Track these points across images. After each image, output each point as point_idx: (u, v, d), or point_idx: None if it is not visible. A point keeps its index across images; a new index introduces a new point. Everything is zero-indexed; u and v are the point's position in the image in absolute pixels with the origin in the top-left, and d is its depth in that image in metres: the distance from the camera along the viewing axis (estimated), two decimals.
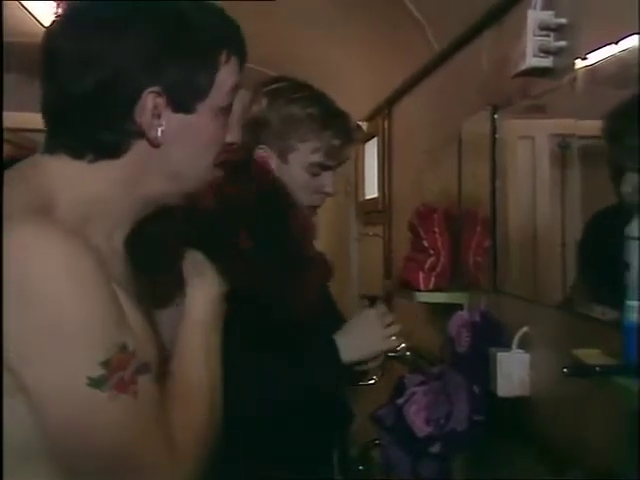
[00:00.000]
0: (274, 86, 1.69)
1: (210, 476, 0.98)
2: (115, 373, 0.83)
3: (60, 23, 0.95)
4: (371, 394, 2.39)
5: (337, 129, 1.65)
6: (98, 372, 0.82)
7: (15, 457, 0.85)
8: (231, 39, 0.98)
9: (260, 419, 1.46)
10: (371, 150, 3.69)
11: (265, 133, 1.65)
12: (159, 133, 0.93)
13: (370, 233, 3.76)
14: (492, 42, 2.03)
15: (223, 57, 0.96)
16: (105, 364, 0.83)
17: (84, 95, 0.91)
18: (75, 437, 0.84)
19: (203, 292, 1.09)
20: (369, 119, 3.63)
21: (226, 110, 0.99)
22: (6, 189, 0.88)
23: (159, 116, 0.93)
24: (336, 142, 1.64)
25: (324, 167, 1.66)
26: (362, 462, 2.36)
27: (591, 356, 1.22)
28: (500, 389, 1.77)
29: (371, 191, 3.69)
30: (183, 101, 0.94)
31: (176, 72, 0.93)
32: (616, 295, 1.14)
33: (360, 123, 3.66)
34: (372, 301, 1.78)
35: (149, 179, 0.96)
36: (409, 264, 2.40)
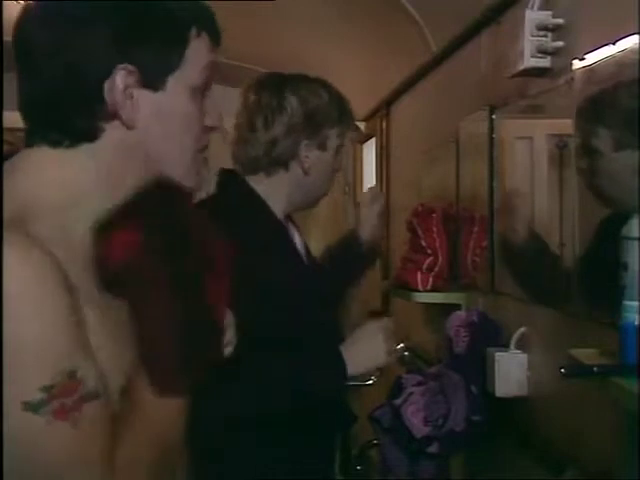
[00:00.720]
0: (266, 74, 1.72)
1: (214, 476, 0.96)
2: (56, 399, 0.80)
3: (26, 12, 0.93)
4: (369, 394, 2.39)
5: (347, 111, 1.73)
6: (37, 396, 0.79)
7: None
8: (200, 16, 0.95)
9: (262, 424, 1.47)
10: (369, 150, 3.69)
11: (306, 126, 1.66)
12: (132, 113, 0.90)
13: None
14: (490, 42, 2.03)
15: (193, 32, 0.93)
16: (46, 389, 0.79)
17: (55, 79, 0.89)
18: (19, 454, 0.81)
19: None
20: (367, 119, 3.63)
21: (201, 90, 0.95)
22: None
23: (131, 96, 0.89)
24: (350, 120, 1.75)
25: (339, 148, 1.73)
26: (360, 462, 2.36)
27: (588, 356, 1.22)
28: (498, 389, 1.77)
29: None
30: (153, 77, 0.91)
31: (144, 48, 0.90)
32: (613, 295, 1.14)
33: (358, 123, 3.67)
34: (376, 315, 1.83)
35: (129, 164, 0.93)
36: (407, 264, 2.40)
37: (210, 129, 0.99)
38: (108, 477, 0.85)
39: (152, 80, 0.91)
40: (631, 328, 1.10)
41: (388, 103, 3.28)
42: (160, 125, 0.93)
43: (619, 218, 1.25)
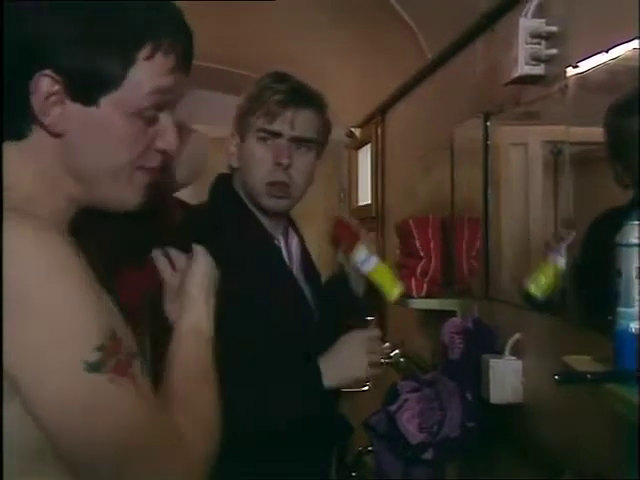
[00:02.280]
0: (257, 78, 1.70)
1: None
2: (111, 357, 0.83)
3: None
4: (364, 401, 2.38)
5: (278, 90, 1.59)
6: (95, 356, 0.81)
7: (21, 460, 0.84)
8: (164, 36, 0.90)
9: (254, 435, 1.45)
10: (364, 157, 3.69)
11: (236, 121, 1.65)
12: (56, 121, 0.88)
13: None
14: (484, 49, 2.04)
15: (144, 52, 0.88)
16: (101, 348, 0.82)
17: None
18: (79, 425, 0.83)
19: (209, 306, 1.11)
20: (362, 125, 3.64)
21: (148, 113, 0.92)
22: None
23: (58, 103, 0.87)
24: (273, 99, 1.58)
25: (270, 132, 1.59)
26: (355, 468, 2.36)
27: (582, 362, 1.22)
28: (493, 396, 1.77)
29: (364, 197, 3.70)
30: (83, 91, 0.88)
31: (78, 58, 0.86)
32: (607, 302, 1.14)
33: (353, 129, 3.68)
34: (361, 323, 1.70)
35: (57, 173, 0.92)
36: (401, 271, 2.40)
37: (163, 152, 0.97)
38: (176, 433, 0.89)
39: (82, 94, 0.88)
40: (625, 334, 1.10)
41: (383, 110, 3.28)
42: (87, 139, 0.90)
43: (607, 224, 1.26)
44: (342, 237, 1.74)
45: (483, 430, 1.88)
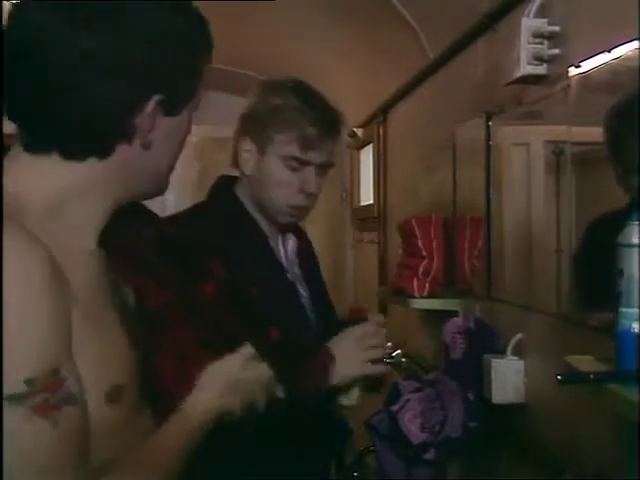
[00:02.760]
0: (267, 79, 1.68)
1: None
2: (38, 394, 0.80)
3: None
4: (365, 400, 2.38)
5: (314, 118, 1.57)
6: (20, 389, 0.79)
7: None
8: (208, 49, 1.03)
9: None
10: (366, 157, 3.69)
11: (250, 125, 1.62)
12: (150, 136, 0.97)
13: (365, 239, 3.77)
14: (486, 49, 2.04)
15: (204, 64, 1.02)
16: (29, 382, 0.80)
17: (92, 104, 0.92)
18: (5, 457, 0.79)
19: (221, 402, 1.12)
20: (364, 126, 3.64)
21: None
22: None
23: (154, 120, 0.96)
24: (311, 131, 1.56)
25: (301, 162, 1.58)
26: (357, 469, 2.35)
27: (584, 362, 1.22)
28: (495, 396, 1.77)
29: (366, 197, 3.70)
30: (176, 107, 0.99)
31: (179, 83, 0.98)
32: (610, 302, 1.14)
33: (355, 129, 3.68)
34: (357, 318, 1.60)
35: (131, 179, 0.99)
36: (403, 271, 2.41)
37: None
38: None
39: (175, 109, 0.99)
40: (627, 334, 1.10)
41: (385, 109, 3.28)
42: (170, 144, 1.02)
43: (606, 224, 1.26)
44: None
45: (485, 430, 1.88)
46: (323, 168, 1.63)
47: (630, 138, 1.31)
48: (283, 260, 1.66)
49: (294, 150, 1.57)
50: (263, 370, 1.18)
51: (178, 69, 0.98)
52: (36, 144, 0.94)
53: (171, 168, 1.05)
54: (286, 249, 1.69)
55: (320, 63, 3.33)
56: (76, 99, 0.91)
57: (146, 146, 0.97)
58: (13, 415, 0.79)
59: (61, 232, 0.90)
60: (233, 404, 1.12)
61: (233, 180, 1.68)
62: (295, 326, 1.59)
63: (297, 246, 1.71)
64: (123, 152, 0.96)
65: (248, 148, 1.62)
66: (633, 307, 1.09)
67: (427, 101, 2.72)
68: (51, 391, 0.81)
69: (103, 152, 0.95)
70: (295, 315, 1.62)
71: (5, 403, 0.78)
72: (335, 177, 3.88)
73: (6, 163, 0.94)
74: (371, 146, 3.53)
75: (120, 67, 0.92)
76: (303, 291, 1.67)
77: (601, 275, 1.37)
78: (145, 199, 1.08)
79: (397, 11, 2.53)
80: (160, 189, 1.06)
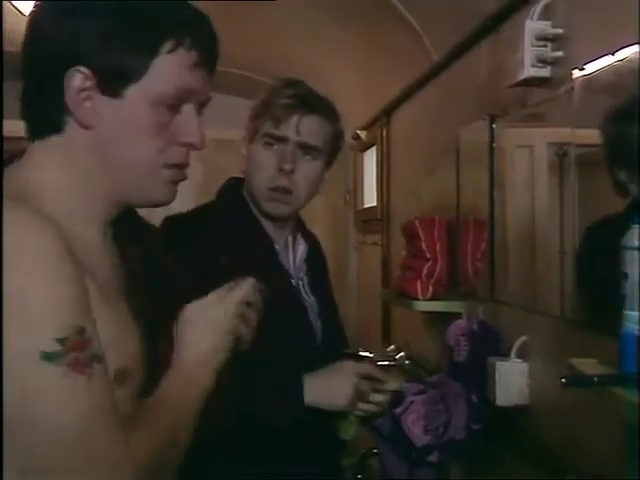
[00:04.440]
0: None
1: None
2: (71, 352, 0.83)
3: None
4: None
5: (287, 94, 1.58)
6: (53, 347, 0.82)
7: None
8: (185, 30, 0.96)
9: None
10: (370, 159, 3.70)
11: (246, 125, 1.65)
12: (88, 114, 0.93)
13: (368, 241, 3.77)
14: (489, 51, 2.04)
15: (167, 45, 0.94)
16: (61, 341, 0.82)
17: (25, 76, 0.96)
18: (27, 412, 0.82)
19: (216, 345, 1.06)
20: (368, 128, 3.64)
21: (170, 105, 0.97)
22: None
23: (89, 98, 0.93)
24: (282, 103, 1.56)
25: (276, 137, 1.58)
26: (360, 471, 2.35)
27: (588, 365, 1.22)
28: (499, 398, 1.77)
29: (370, 199, 3.70)
30: (110, 84, 0.93)
31: (105, 54, 0.92)
32: (614, 305, 1.14)
33: (359, 132, 3.68)
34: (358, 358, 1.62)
35: (93, 163, 0.96)
36: (406, 273, 2.41)
37: (187, 146, 1.00)
38: (122, 438, 0.87)
39: (109, 87, 0.93)
40: (631, 337, 1.10)
41: (388, 112, 3.28)
42: (117, 131, 0.95)
43: (607, 227, 1.26)
44: None
45: (488, 432, 1.87)
46: (305, 149, 1.60)
47: (631, 142, 1.31)
48: (290, 265, 1.66)
49: (268, 127, 1.58)
50: (258, 304, 1.12)
51: (107, 42, 0.92)
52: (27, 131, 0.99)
53: (154, 169, 0.98)
54: (295, 254, 1.68)
55: (322, 65, 3.34)
56: (23, 70, 0.95)
57: (85, 125, 0.94)
58: (49, 372, 0.81)
59: (72, 224, 0.93)
60: (226, 343, 1.06)
61: (241, 182, 1.68)
62: (296, 330, 1.59)
63: (307, 252, 1.70)
64: (74, 133, 0.95)
65: (244, 147, 1.66)
66: (637, 310, 1.09)
67: (430, 103, 2.72)
68: (80, 349, 0.84)
69: (51, 125, 0.95)
70: (296, 320, 1.61)
71: (36, 361, 0.81)
72: (338, 179, 3.88)
73: (25, 155, 0.99)
74: (374, 148, 3.53)
75: (47, 30, 0.93)
76: (308, 297, 1.67)
77: (600, 278, 1.38)
78: (143, 204, 1.03)
79: (400, 13, 2.53)
80: (153, 192, 1.00)
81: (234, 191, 1.67)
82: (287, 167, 1.57)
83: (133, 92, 0.94)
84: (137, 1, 0.95)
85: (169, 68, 0.95)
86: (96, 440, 0.85)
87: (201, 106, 1.01)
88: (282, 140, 1.58)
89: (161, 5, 0.96)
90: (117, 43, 0.92)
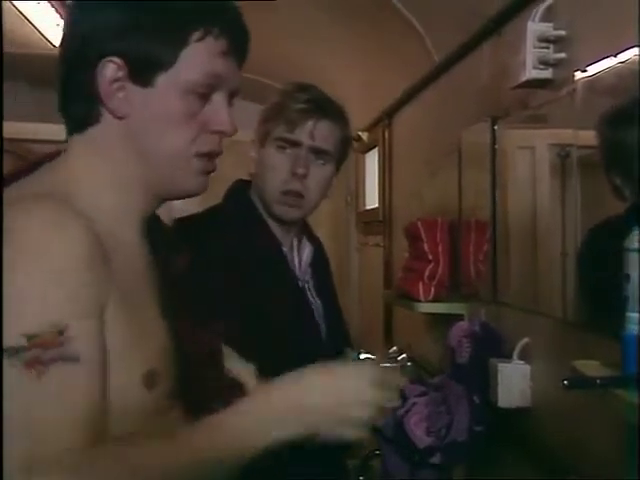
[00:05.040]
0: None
1: None
2: (33, 349, 0.81)
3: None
4: None
5: (302, 99, 1.58)
6: (19, 342, 0.81)
7: None
8: (214, 19, 0.96)
9: None
10: (372, 160, 3.70)
11: (256, 128, 1.66)
12: (120, 104, 0.94)
13: (370, 243, 3.77)
14: (491, 53, 2.04)
15: (196, 35, 0.95)
16: (29, 337, 0.81)
17: (60, 68, 0.96)
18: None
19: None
20: (369, 129, 3.64)
21: (200, 94, 0.97)
22: (32, 177, 0.96)
23: (121, 88, 0.94)
24: (297, 108, 1.57)
25: (290, 141, 1.59)
26: (362, 473, 2.35)
27: (591, 367, 1.22)
28: (501, 400, 1.77)
29: (372, 201, 3.70)
30: (141, 73, 0.94)
31: (135, 43, 0.93)
32: (616, 306, 1.14)
33: (360, 133, 3.68)
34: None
35: (125, 157, 0.97)
36: (408, 274, 2.41)
37: (219, 134, 1.00)
38: (80, 437, 0.83)
39: (140, 76, 0.94)
40: (633, 339, 1.10)
41: (390, 113, 3.28)
42: (148, 121, 0.96)
43: (610, 227, 1.26)
44: None
45: (490, 434, 1.87)
46: (317, 154, 1.60)
47: (631, 147, 1.31)
48: (296, 268, 1.67)
49: (281, 130, 1.59)
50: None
51: (139, 32, 0.93)
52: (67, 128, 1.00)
53: (186, 158, 0.98)
54: (301, 257, 1.69)
55: (324, 66, 3.34)
56: (60, 66, 0.96)
57: (118, 115, 0.95)
58: (7, 368, 0.80)
59: (109, 222, 0.93)
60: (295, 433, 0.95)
61: (248, 184, 1.69)
62: (303, 332, 1.59)
63: (312, 255, 1.71)
64: (109, 124, 0.96)
65: (254, 149, 1.65)
66: (638, 311, 1.09)
67: (432, 105, 2.72)
68: (45, 348, 0.82)
69: (87, 117, 0.96)
70: (304, 322, 1.62)
71: (5, 356, 0.80)
72: (340, 181, 3.87)
73: (62, 153, 1.00)
74: (376, 150, 3.53)
75: (78, 24, 0.95)
76: (313, 299, 1.68)
77: (602, 280, 1.38)
78: (177, 196, 1.03)
79: (402, 14, 2.53)
80: (187, 182, 1.00)
81: (242, 193, 1.67)
82: (300, 171, 1.58)
83: (163, 81, 0.95)
84: None
85: (198, 56, 0.95)
86: (45, 442, 0.81)
87: (231, 96, 1.02)
88: (296, 144, 1.59)
89: None
90: (147, 33, 0.94)
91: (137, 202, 1.00)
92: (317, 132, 1.59)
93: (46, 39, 3.24)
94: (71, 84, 0.96)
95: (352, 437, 0.97)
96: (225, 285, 1.45)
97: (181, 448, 0.88)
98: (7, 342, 0.80)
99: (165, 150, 0.97)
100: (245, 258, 1.52)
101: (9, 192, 0.91)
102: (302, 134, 1.58)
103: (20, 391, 0.81)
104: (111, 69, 0.93)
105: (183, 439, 0.89)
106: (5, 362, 0.80)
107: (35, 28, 3.11)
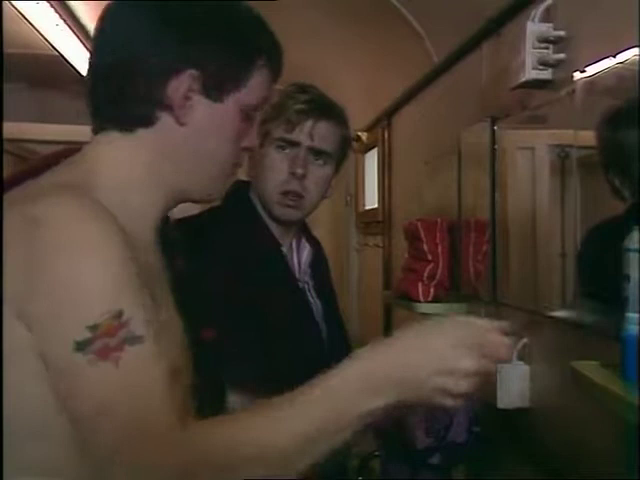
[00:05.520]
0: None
1: None
2: (99, 339, 0.83)
3: (114, 3, 1.04)
4: None
5: (302, 100, 1.58)
6: (84, 335, 0.83)
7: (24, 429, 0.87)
8: (270, 53, 1.06)
9: None
10: (371, 161, 3.70)
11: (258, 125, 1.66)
12: (186, 112, 1.01)
13: (370, 243, 3.77)
14: (491, 54, 2.04)
15: (259, 62, 1.04)
16: (92, 328, 0.84)
17: (126, 68, 0.99)
18: (66, 402, 0.85)
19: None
20: (369, 129, 3.64)
21: (251, 115, 1.06)
22: (50, 172, 0.98)
23: (190, 97, 1.00)
24: (296, 108, 1.57)
25: (289, 141, 1.58)
26: (361, 473, 2.35)
27: (590, 368, 1.22)
28: (500, 401, 1.77)
29: (371, 201, 3.70)
30: (216, 90, 1.02)
31: (217, 60, 1.01)
32: (616, 307, 1.14)
33: (360, 133, 3.68)
34: None
35: (175, 159, 1.03)
36: (408, 274, 2.40)
37: (247, 150, 1.10)
38: (171, 416, 0.85)
39: (214, 91, 1.02)
40: (633, 339, 1.10)
41: (390, 113, 3.28)
42: (208, 131, 1.03)
43: (611, 227, 1.25)
44: None
45: (490, 435, 1.87)
46: (316, 154, 1.60)
47: (630, 148, 1.31)
48: (296, 268, 1.67)
49: (281, 131, 1.59)
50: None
51: (219, 51, 1.01)
52: (96, 121, 1.03)
53: (225, 169, 1.07)
54: (300, 258, 1.68)
55: (323, 66, 3.34)
56: (120, 67, 1.00)
57: (181, 122, 1.00)
58: (78, 362, 0.83)
59: (125, 219, 0.95)
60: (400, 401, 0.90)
61: (247, 184, 1.68)
62: (303, 332, 1.59)
63: (312, 257, 1.70)
64: (165, 128, 1.01)
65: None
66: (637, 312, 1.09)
67: (432, 105, 2.72)
68: (112, 334, 0.84)
69: (144, 119, 1.01)
70: (304, 322, 1.62)
71: (69, 351, 0.83)
72: (339, 181, 3.88)
73: (86, 147, 1.03)
74: (376, 150, 3.53)
75: (158, 34, 0.99)
76: (313, 300, 1.67)
77: (603, 280, 1.38)
78: (199, 199, 1.11)
79: (402, 15, 2.53)
80: (214, 188, 1.09)
81: (241, 194, 1.67)
82: (299, 171, 1.58)
83: (231, 100, 1.03)
84: (244, 20, 1.05)
85: (259, 82, 1.05)
86: (138, 422, 0.83)
87: None
88: (295, 144, 1.59)
89: (258, 25, 1.07)
90: (228, 53, 1.02)
91: (159, 204, 1.05)
92: (316, 132, 1.58)
93: (46, 39, 3.23)
94: (131, 86, 1.00)
95: (450, 405, 0.92)
96: (225, 285, 1.45)
97: (277, 424, 0.86)
98: (69, 337, 0.83)
99: (215, 160, 1.06)
100: (245, 258, 1.52)
101: (27, 186, 0.95)
102: (301, 134, 1.58)
103: (101, 382, 0.84)
104: (189, 80, 0.99)
105: (278, 415, 0.87)
106: (73, 357, 0.83)
107: (35, 28, 3.11)
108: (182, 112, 1.00)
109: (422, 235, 2.31)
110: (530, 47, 1.63)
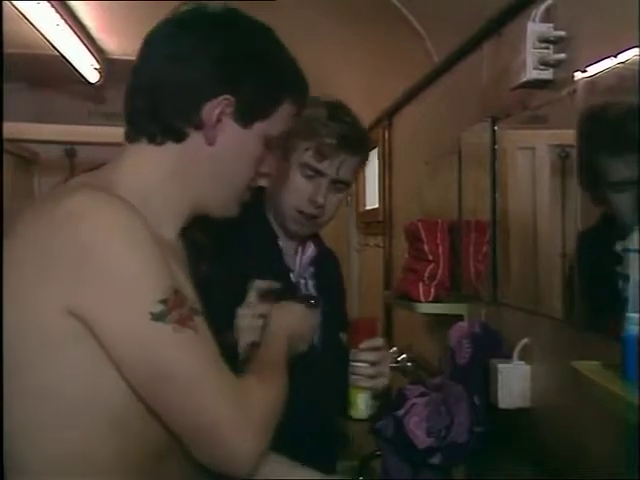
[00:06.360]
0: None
1: None
2: (173, 310, 0.94)
3: (164, 24, 1.12)
4: None
5: (335, 131, 1.60)
6: (158, 308, 0.93)
7: (70, 411, 0.96)
8: (298, 91, 1.18)
9: None
10: (372, 161, 3.69)
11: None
12: (215, 133, 1.09)
13: (370, 243, 3.77)
14: (491, 54, 2.04)
15: (287, 98, 1.15)
16: (163, 302, 0.93)
17: (171, 88, 1.08)
18: (147, 373, 0.94)
19: None
20: (369, 130, 3.64)
21: (273, 143, 1.16)
22: (80, 176, 1.09)
23: (221, 120, 1.09)
24: (328, 141, 1.59)
25: (315, 170, 1.60)
26: (362, 473, 2.35)
27: (590, 368, 1.22)
28: (501, 401, 1.77)
29: (372, 201, 3.70)
30: (247, 116, 1.11)
31: (251, 91, 1.10)
32: (616, 307, 1.14)
33: None
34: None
35: (198, 175, 1.11)
36: (409, 275, 2.41)
37: (263, 175, 1.21)
38: (239, 392, 1.01)
39: (244, 118, 1.11)
40: (633, 339, 1.10)
41: (390, 113, 3.29)
42: (233, 154, 1.12)
43: (608, 227, 1.26)
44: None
45: (491, 435, 1.87)
46: (337, 184, 1.63)
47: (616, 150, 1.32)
48: (297, 265, 1.67)
49: (310, 158, 1.60)
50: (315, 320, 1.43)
51: (255, 82, 1.10)
52: (130, 131, 1.11)
53: (241, 190, 1.16)
54: (302, 256, 1.70)
55: (324, 67, 3.34)
56: (162, 86, 1.08)
57: (210, 141, 1.08)
58: (161, 330, 0.93)
59: (153, 224, 1.02)
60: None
61: (261, 190, 1.69)
62: None
63: (315, 255, 1.72)
64: (194, 145, 1.09)
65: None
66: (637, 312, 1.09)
67: (432, 105, 2.72)
68: (180, 306, 0.96)
69: (177, 134, 1.08)
70: None
71: (147, 322, 0.93)
72: None
73: (122, 158, 1.11)
74: (376, 150, 3.53)
75: (203, 59, 1.07)
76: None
77: (603, 280, 1.38)
78: (215, 214, 1.18)
79: (403, 15, 2.53)
80: (229, 206, 1.17)
81: (253, 198, 1.67)
82: (320, 201, 1.62)
83: (258, 128, 1.13)
84: (280, 60, 1.16)
85: (283, 116, 1.15)
86: (219, 383, 0.98)
87: None
88: (321, 175, 1.62)
89: (291, 66, 1.18)
90: (263, 85, 1.11)
91: (179, 210, 1.13)
92: (343, 166, 1.62)
93: (46, 39, 3.23)
94: (169, 104, 1.08)
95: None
96: (230, 282, 1.45)
97: (282, 368, 1.19)
98: (148, 309, 0.92)
99: (234, 180, 1.15)
100: (243, 250, 1.53)
101: (56, 187, 1.05)
102: (330, 168, 1.61)
103: (189, 347, 0.96)
104: (223, 104, 1.08)
105: (279, 362, 1.21)
106: (156, 326, 0.92)
107: (35, 28, 3.11)
108: (212, 133, 1.08)
109: (423, 235, 2.31)
110: (531, 47, 1.63)
